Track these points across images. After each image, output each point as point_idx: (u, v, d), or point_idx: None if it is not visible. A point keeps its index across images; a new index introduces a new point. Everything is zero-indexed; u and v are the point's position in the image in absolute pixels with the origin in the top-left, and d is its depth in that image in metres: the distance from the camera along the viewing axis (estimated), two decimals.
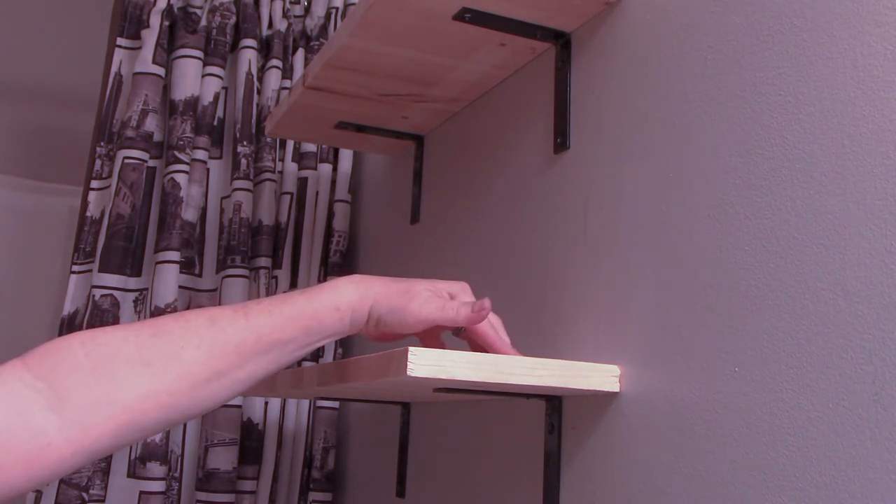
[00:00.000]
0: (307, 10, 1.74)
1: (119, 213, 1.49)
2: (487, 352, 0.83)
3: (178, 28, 1.61)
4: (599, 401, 0.87)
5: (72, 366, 0.64)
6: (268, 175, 1.60)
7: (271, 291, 1.57)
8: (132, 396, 0.65)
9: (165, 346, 0.67)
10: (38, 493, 1.40)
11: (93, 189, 1.56)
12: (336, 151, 1.66)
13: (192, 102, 1.58)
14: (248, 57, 1.63)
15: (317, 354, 1.56)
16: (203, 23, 1.63)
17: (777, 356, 0.67)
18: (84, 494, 1.38)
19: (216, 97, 1.62)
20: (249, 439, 1.49)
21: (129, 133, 1.53)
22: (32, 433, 0.61)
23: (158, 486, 1.41)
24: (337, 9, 1.69)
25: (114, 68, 1.62)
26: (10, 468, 0.60)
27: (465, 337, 0.86)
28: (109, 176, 1.55)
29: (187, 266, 1.56)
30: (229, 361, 0.70)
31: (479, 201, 1.18)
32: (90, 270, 1.51)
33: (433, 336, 0.87)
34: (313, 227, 1.61)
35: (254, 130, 1.61)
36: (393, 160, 1.51)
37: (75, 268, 1.52)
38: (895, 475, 0.57)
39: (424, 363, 0.73)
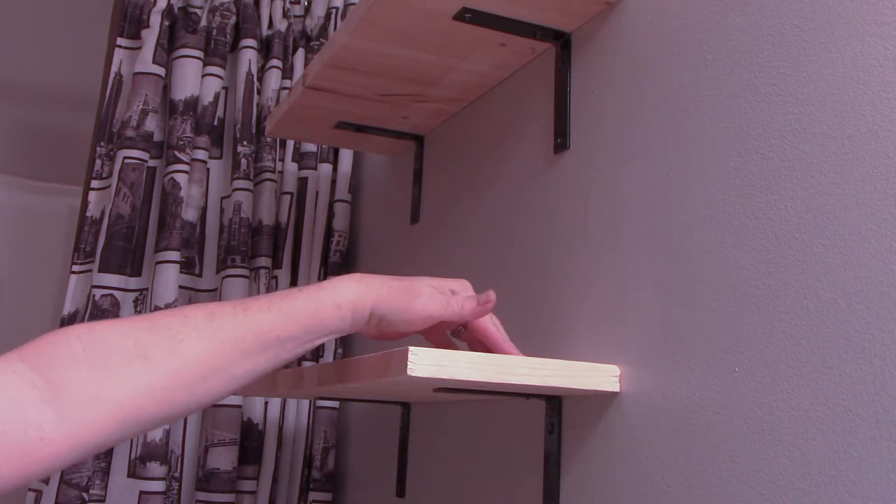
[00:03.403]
0: (307, 10, 1.74)
1: (119, 213, 1.49)
2: (489, 351, 0.83)
3: (178, 28, 1.61)
4: (599, 401, 0.87)
5: (68, 359, 0.63)
6: (268, 175, 1.60)
7: (271, 291, 1.57)
8: (129, 391, 0.64)
9: (163, 340, 0.66)
10: (38, 493, 1.40)
11: (93, 189, 1.56)
12: (336, 151, 1.66)
13: (192, 102, 1.58)
14: (248, 57, 1.63)
15: (317, 354, 1.56)
16: (203, 23, 1.63)
17: (777, 356, 0.67)
18: (84, 494, 1.38)
19: (216, 97, 1.62)
20: (249, 439, 1.49)
21: (129, 133, 1.53)
22: (27, 427, 0.60)
23: (158, 485, 1.41)
24: (337, 9, 1.69)
25: (114, 68, 1.62)
26: (5, 462, 0.58)
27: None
28: (109, 176, 1.55)
29: (187, 266, 1.56)
30: (228, 357, 0.69)
31: (479, 201, 1.17)
32: (90, 270, 1.51)
33: (438, 333, 0.86)
34: (313, 227, 1.61)
35: (254, 130, 1.61)
36: (393, 160, 1.51)
37: (75, 268, 1.52)
38: (895, 475, 0.57)
39: (425, 363, 0.73)
